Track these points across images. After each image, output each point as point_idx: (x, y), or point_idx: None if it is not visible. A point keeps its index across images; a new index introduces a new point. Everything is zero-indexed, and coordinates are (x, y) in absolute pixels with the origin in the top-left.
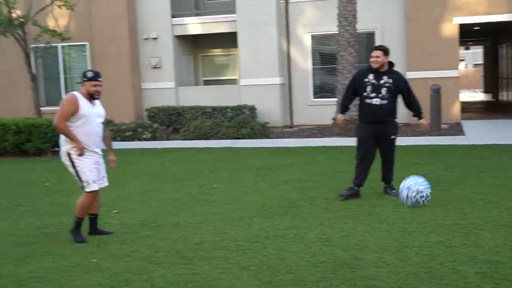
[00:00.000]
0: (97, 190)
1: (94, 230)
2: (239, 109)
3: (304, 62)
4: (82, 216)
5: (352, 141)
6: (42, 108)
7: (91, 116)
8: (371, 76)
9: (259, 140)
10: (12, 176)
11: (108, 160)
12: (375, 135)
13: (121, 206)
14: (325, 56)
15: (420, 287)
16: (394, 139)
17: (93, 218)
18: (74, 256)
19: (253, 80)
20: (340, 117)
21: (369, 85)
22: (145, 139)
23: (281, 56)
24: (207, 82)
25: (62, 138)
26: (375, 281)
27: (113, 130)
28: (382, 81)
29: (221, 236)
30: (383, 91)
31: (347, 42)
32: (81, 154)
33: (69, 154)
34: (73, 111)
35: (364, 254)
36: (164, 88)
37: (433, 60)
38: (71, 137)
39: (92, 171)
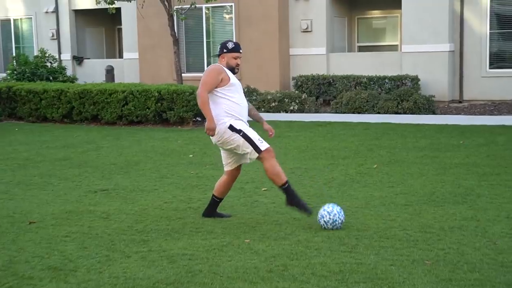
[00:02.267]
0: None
1: (212, 211)
2: (399, 80)
3: (480, 25)
4: (283, 179)
5: None
6: (183, 74)
7: (240, 87)
8: None
9: (423, 116)
10: (155, 146)
11: (264, 131)
12: None
13: (270, 183)
14: (505, 19)
15: None
16: None
17: (217, 202)
18: (226, 234)
19: (417, 46)
20: None
21: None
22: (292, 111)
23: (452, 18)
24: (362, 49)
25: (215, 117)
26: None
27: (257, 100)
28: None
29: (387, 224)
30: None
31: None
32: (208, 133)
33: (231, 127)
34: (220, 80)
35: None
36: (314, 54)
37: None
38: (206, 111)
39: (254, 132)
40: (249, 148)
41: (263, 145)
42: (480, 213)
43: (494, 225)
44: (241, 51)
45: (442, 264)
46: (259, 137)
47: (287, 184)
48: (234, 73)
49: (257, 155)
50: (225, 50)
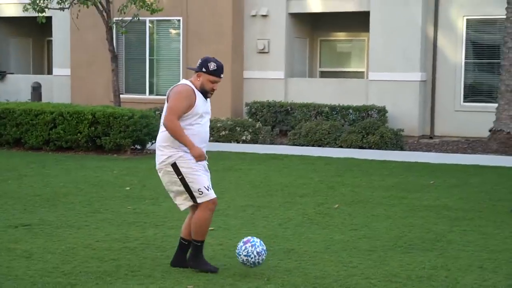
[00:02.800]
0: (215, 198)
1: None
2: (365, 111)
3: (454, 54)
4: (203, 237)
5: None
6: (122, 96)
7: (205, 114)
8: None
9: (390, 151)
10: (87, 176)
11: None
12: None
13: (218, 222)
14: (483, 48)
15: None
16: None
17: (187, 245)
18: (165, 279)
19: (386, 74)
20: None
21: None
22: (245, 141)
23: (425, 45)
24: (325, 74)
25: (164, 142)
26: None
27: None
28: None
29: (349, 271)
30: None
31: None
32: (199, 159)
33: (175, 166)
34: (189, 106)
35: None
36: (271, 78)
37: None
38: (184, 141)
39: (204, 176)
40: (185, 195)
41: (208, 195)
42: (451, 261)
43: (466, 275)
44: (222, 76)
45: None
46: (205, 185)
47: (202, 243)
48: (205, 97)
49: (189, 204)
50: (204, 70)
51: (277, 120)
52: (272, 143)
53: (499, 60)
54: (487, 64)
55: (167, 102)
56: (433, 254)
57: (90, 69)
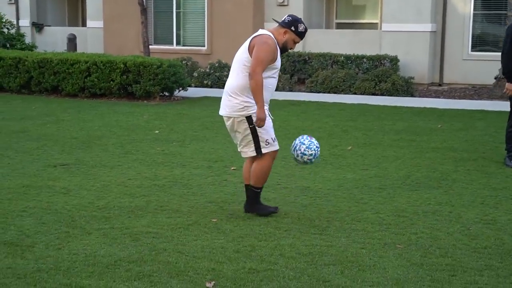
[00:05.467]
0: (278, 149)
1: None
2: (378, 60)
3: (463, 5)
4: (262, 184)
5: None
6: (151, 46)
7: (278, 68)
8: None
9: (401, 98)
10: (119, 120)
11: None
12: None
13: (240, 162)
14: None
15: None
16: None
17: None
18: (192, 213)
19: (398, 25)
20: (509, 86)
21: None
22: None
23: None
24: (340, 26)
25: (239, 91)
26: None
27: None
28: None
29: (359, 207)
30: None
31: None
32: (259, 122)
33: (250, 118)
34: (272, 59)
35: None
36: None
37: None
38: (260, 98)
39: (271, 126)
40: (251, 145)
41: (273, 146)
42: (455, 198)
43: (469, 211)
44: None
45: (414, 248)
46: (272, 136)
47: (261, 189)
48: (283, 52)
49: (252, 155)
50: (293, 29)
51: (296, 69)
52: (291, 90)
53: (505, 11)
54: (494, 15)
55: (249, 50)
56: (438, 192)
57: (121, 21)
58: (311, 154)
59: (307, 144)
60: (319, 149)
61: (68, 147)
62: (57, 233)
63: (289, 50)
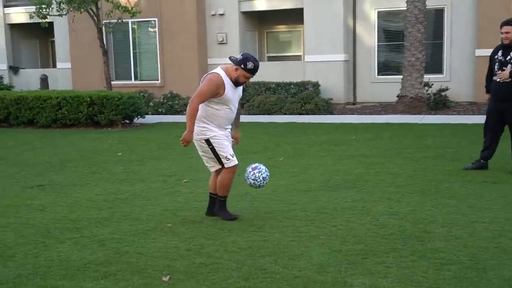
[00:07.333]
0: (237, 164)
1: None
2: (302, 85)
3: (369, 38)
4: (226, 194)
5: (416, 119)
6: (112, 82)
7: (233, 101)
8: (500, 53)
9: (322, 116)
10: (87, 146)
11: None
12: (500, 112)
13: (190, 175)
14: (390, 33)
15: (491, 261)
16: None
17: (215, 198)
18: (150, 220)
19: (318, 56)
20: (486, 96)
21: (497, 62)
22: None
23: (347, 33)
24: (271, 58)
25: (198, 120)
26: (445, 253)
27: (180, 104)
28: (508, 57)
29: (290, 207)
30: (509, 67)
31: (415, 18)
32: (184, 142)
33: (208, 141)
34: (216, 93)
35: (433, 228)
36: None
37: None
38: (189, 124)
39: (228, 145)
40: (214, 161)
41: (231, 162)
42: (367, 195)
43: (378, 205)
44: (255, 73)
45: (334, 238)
46: (230, 153)
47: (226, 198)
48: (237, 85)
49: (218, 167)
50: (242, 66)
51: None
52: None
53: (403, 42)
54: (394, 45)
55: (199, 85)
56: (354, 191)
57: (86, 62)
58: (262, 179)
59: (253, 178)
60: (262, 174)
61: (44, 170)
62: (34, 244)
63: (242, 84)
